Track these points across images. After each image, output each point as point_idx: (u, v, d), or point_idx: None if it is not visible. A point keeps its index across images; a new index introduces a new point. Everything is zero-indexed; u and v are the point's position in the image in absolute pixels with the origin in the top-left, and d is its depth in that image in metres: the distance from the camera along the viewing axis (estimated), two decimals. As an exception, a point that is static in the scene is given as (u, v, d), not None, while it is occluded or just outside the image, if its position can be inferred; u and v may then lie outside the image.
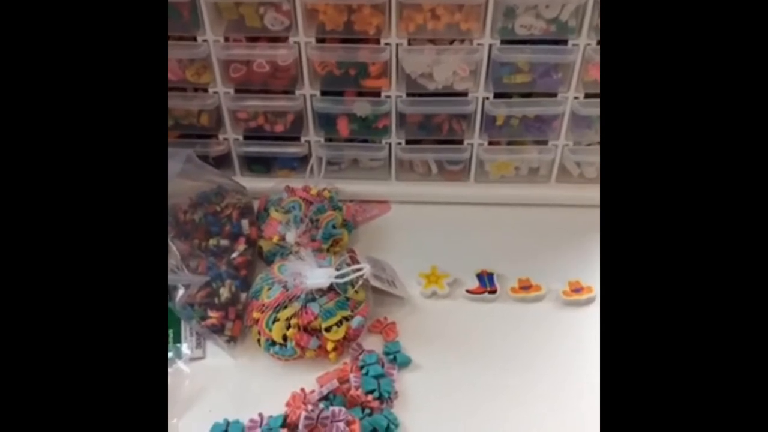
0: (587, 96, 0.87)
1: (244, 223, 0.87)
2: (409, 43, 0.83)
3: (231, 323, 0.79)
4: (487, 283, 0.85)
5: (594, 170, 0.96)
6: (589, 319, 0.82)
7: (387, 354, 0.78)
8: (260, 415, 0.71)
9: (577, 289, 0.84)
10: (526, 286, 0.85)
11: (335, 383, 0.73)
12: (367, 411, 0.72)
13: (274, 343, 0.76)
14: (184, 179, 0.85)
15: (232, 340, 0.79)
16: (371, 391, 0.72)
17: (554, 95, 0.87)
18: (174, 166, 0.82)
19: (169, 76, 0.87)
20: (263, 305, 0.77)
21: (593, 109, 0.87)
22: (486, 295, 0.84)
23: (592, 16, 0.80)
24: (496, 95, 0.87)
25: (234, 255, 0.84)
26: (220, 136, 0.93)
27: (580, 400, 0.73)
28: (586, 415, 0.72)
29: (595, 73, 0.85)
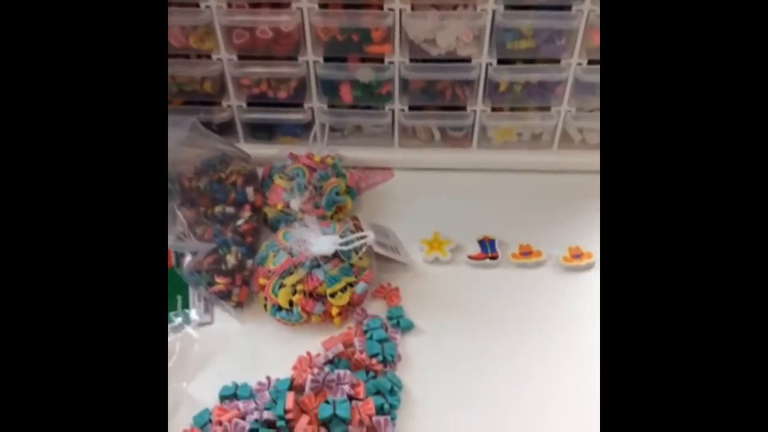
0: (590, 62, 0.87)
1: (249, 190, 0.87)
2: (413, 9, 0.82)
3: (238, 289, 0.80)
4: (488, 249, 0.86)
5: (596, 136, 0.96)
6: (589, 284, 0.83)
7: (390, 318, 0.80)
8: (267, 378, 0.73)
9: (577, 255, 0.85)
10: (526, 252, 0.86)
11: (340, 347, 0.75)
12: (372, 374, 0.74)
13: (280, 309, 0.78)
14: (189, 147, 0.85)
15: (239, 305, 0.81)
16: (375, 355, 0.74)
17: (557, 61, 0.87)
18: (179, 133, 0.82)
19: (172, 42, 0.86)
20: (269, 271, 0.79)
21: (596, 75, 0.87)
22: (487, 261, 0.86)
23: (596, -18, 0.79)
24: (500, 61, 0.87)
25: (239, 222, 0.85)
26: (224, 103, 0.93)
27: (580, 364, 0.75)
28: (586, 378, 0.74)
29: (598, 40, 0.84)
